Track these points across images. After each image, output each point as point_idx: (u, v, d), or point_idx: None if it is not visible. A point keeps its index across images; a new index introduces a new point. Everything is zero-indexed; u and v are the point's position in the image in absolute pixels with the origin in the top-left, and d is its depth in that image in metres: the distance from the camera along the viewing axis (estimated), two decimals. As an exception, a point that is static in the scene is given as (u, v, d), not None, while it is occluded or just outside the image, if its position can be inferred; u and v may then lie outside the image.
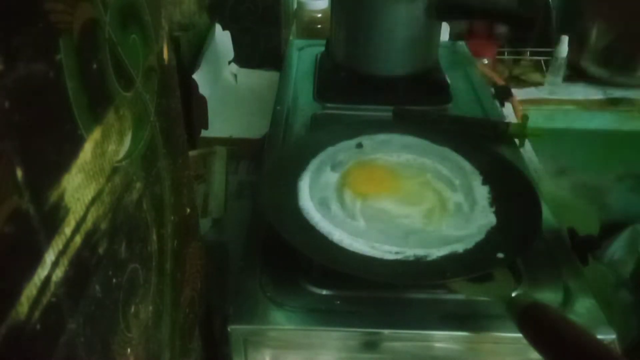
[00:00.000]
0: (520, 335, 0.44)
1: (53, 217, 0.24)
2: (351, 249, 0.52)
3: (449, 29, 1.15)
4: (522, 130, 0.74)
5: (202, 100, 0.90)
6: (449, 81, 0.86)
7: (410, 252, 0.52)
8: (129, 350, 0.34)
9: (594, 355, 0.40)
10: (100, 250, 0.29)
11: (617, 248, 1.08)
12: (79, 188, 0.26)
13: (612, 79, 1.20)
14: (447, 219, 0.56)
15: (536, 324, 0.44)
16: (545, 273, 0.54)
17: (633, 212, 1.17)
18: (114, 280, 0.31)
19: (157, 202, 0.39)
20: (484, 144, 0.69)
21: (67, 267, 0.25)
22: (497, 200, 0.58)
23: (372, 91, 0.83)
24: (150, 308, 0.38)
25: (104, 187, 0.29)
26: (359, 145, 0.66)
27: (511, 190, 0.59)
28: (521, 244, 0.52)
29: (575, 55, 1.18)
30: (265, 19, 1.11)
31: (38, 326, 0.23)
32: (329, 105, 0.82)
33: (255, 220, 0.60)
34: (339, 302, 0.51)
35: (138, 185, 0.35)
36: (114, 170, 0.31)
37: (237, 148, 0.89)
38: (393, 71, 0.81)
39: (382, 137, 0.68)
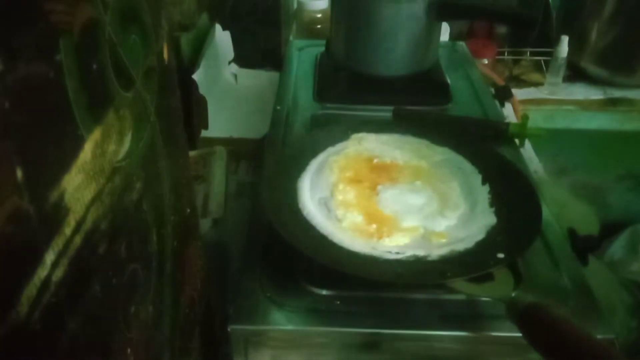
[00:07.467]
0: (520, 335, 0.44)
1: (53, 218, 0.24)
2: (351, 249, 0.52)
3: (449, 29, 1.15)
4: (522, 131, 0.74)
5: (202, 101, 0.90)
6: (449, 81, 0.86)
7: (410, 252, 0.52)
8: (129, 350, 0.34)
9: (594, 356, 0.40)
10: (100, 251, 0.29)
11: (617, 248, 1.08)
12: (79, 188, 0.26)
13: (612, 79, 1.19)
14: (447, 219, 0.56)
15: (536, 324, 0.44)
16: (545, 273, 0.54)
17: (633, 212, 1.17)
18: (114, 280, 0.31)
19: (157, 203, 0.39)
20: (484, 144, 0.69)
21: (67, 268, 0.25)
22: (497, 200, 0.58)
23: (372, 91, 0.83)
24: (150, 308, 0.38)
25: (104, 188, 0.29)
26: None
27: (511, 190, 0.59)
28: (521, 243, 0.52)
29: (575, 55, 1.18)
30: (265, 19, 1.11)
31: (38, 326, 0.23)
32: (328, 105, 0.82)
33: (255, 221, 0.60)
34: (339, 302, 0.51)
35: (138, 185, 0.35)
36: (114, 170, 0.31)
37: (237, 148, 0.89)
38: (393, 71, 0.81)
39: (382, 137, 0.68)
